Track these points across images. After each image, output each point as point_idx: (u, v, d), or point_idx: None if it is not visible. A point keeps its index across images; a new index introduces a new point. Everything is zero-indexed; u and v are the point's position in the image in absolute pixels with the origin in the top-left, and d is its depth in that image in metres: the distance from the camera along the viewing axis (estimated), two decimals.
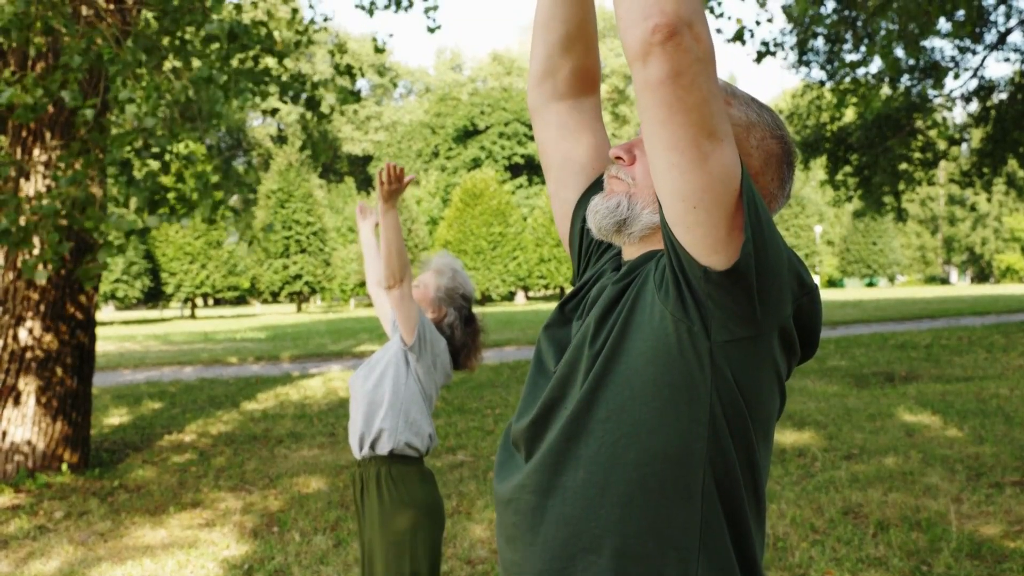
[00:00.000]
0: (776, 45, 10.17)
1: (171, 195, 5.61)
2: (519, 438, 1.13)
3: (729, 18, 8.97)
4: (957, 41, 12.89)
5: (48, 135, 5.71)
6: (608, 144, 1.28)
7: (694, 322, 1.00)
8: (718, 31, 9.46)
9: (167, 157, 5.24)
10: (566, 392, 1.09)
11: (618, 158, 1.13)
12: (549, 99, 1.26)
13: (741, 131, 1.10)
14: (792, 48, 13.07)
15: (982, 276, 62.65)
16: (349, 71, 6.51)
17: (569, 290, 1.32)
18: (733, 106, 1.11)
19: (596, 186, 1.25)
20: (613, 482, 1.02)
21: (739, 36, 8.83)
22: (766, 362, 1.04)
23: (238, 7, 5.16)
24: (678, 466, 1.01)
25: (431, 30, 8.20)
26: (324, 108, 6.55)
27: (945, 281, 63.47)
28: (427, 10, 8.27)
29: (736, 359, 1.01)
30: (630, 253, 1.15)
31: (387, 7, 8.18)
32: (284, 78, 6.19)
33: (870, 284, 55.18)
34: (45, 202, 4.84)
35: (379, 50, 6.80)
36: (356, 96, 6.36)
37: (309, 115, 6.73)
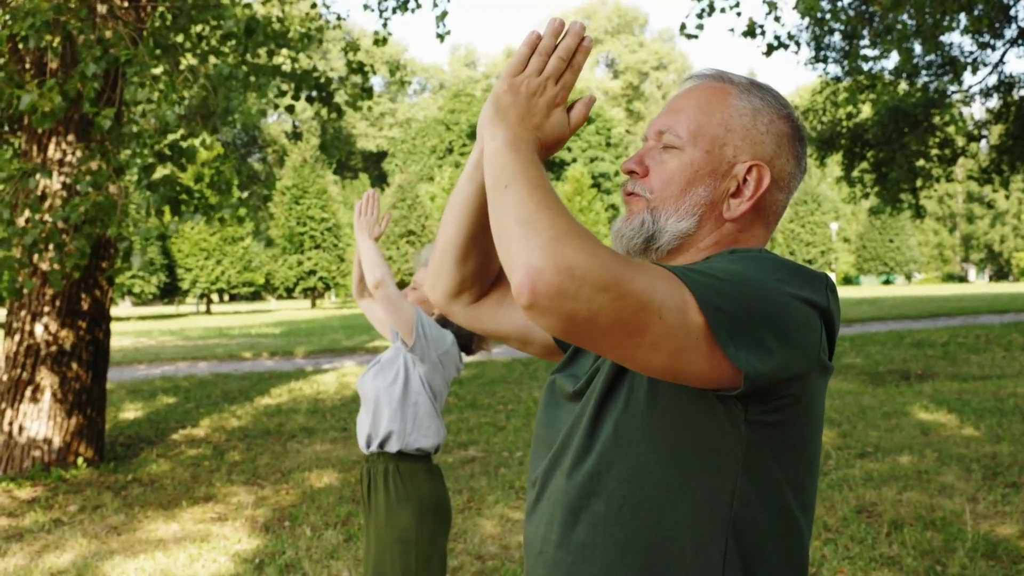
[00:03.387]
0: (790, 38, 10.09)
1: (196, 194, 5.66)
2: (537, 478, 1.11)
3: (739, 14, 8.94)
4: (976, 36, 12.72)
5: (64, 131, 5.76)
6: None
7: (728, 393, 0.95)
8: (730, 30, 9.40)
9: (190, 168, 5.28)
10: (585, 443, 1.04)
11: (631, 172, 1.09)
12: (465, 307, 1.24)
13: (748, 120, 1.08)
14: (808, 43, 12.95)
15: (1001, 274, 62.01)
16: (361, 69, 6.52)
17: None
18: (733, 95, 1.09)
19: None
20: (634, 545, 0.99)
21: (751, 32, 8.89)
22: (806, 407, 0.99)
23: (247, 5, 5.19)
24: (700, 533, 0.97)
25: (440, 37, 8.18)
26: (338, 99, 6.55)
27: (963, 279, 62.88)
28: (437, 19, 8.26)
29: (774, 421, 0.97)
30: None
31: (396, 10, 8.17)
32: (300, 72, 6.21)
33: (887, 282, 54.74)
34: (73, 207, 4.87)
35: (378, 43, 6.79)
36: (368, 93, 6.37)
37: (324, 110, 6.75)
